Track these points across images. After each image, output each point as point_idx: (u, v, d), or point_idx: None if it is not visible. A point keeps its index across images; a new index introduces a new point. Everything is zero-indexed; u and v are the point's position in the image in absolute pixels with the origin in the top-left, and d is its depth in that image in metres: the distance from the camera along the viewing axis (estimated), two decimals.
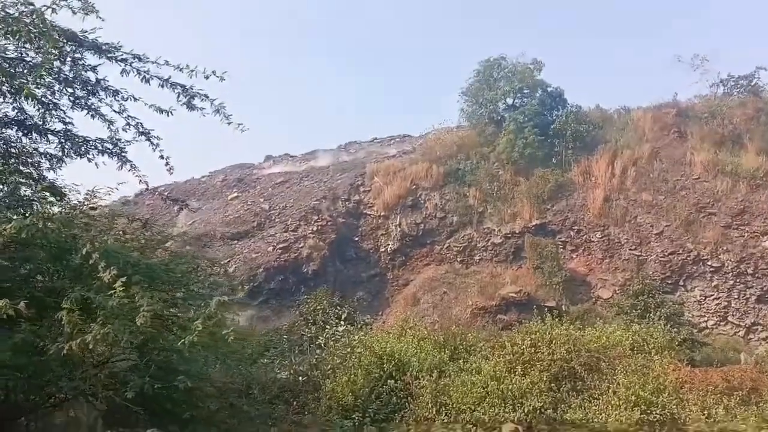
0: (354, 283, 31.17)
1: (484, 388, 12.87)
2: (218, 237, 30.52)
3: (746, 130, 30.93)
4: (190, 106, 9.47)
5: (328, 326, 15.67)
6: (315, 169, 37.06)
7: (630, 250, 28.62)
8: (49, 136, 10.23)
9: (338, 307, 19.05)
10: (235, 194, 35.48)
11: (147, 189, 10.26)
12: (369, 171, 34.93)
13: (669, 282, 26.93)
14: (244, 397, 13.22)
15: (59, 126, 10.23)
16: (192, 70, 8.88)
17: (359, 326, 17.72)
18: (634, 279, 25.22)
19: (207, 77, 8.80)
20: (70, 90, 9.75)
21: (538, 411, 12.40)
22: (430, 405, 12.84)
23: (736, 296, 25.52)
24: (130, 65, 9.32)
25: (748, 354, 20.77)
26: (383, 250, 32.39)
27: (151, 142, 10.04)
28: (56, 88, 9.67)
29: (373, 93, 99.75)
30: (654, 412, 12.16)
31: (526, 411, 12.26)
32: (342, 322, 16.04)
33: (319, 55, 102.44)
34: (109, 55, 9.25)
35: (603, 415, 11.99)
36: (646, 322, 18.89)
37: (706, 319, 25.71)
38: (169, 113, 9.44)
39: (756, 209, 27.23)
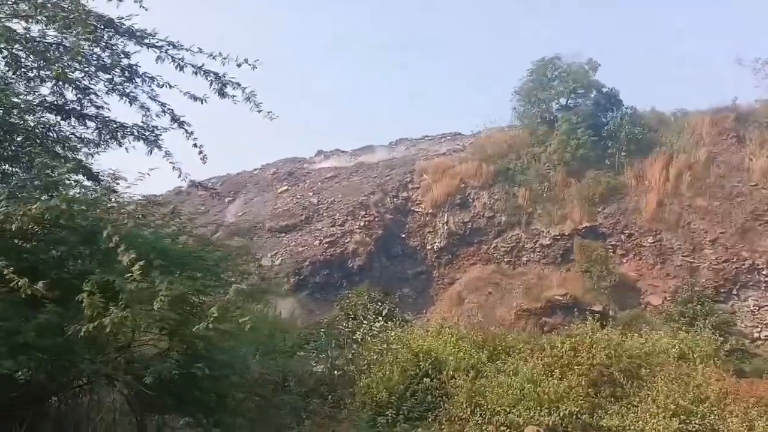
0: (399, 279, 31.26)
1: (520, 391, 12.76)
2: (266, 229, 31.03)
3: None
4: (222, 94, 9.47)
5: (365, 322, 15.78)
6: (365, 164, 37.22)
7: (683, 256, 27.92)
8: (86, 121, 10.28)
9: (379, 303, 19.16)
10: (285, 187, 35.95)
11: (181, 177, 10.20)
12: (418, 168, 34.95)
13: (722, 291, 26.18)
14: (281, 389, 13.42)
15: (95, 111, 10.29)
16: (225, 58, 8.93)
17: (398, 323, 17.72)
18: (684, 286, 24.53)
19: (239, 65, 8.83)
20: (107, 76, 9.85)
21: (574, 416, 12.23)
22: (464, 405, 12.78)
23: None
24: (165, 52, 9.34)
25: None
26: (430, 247, 32.38)
27: (185, 130, 10.06)
28: (92, 72, 9.75)
29: (428, 90, 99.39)
30: (693, 422, 11.86)
31: (561, 415, 12.09)
32: (380, 318, 16.12)
33: (377, 51, 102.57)
34: (144, 41, 9.31)
35: (640, 423, 11.75)
36: (693, 331, 18.40)
37: (759, 329, 24.92)
38: (203, 101, 9.56)
39: None
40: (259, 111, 9.27)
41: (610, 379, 13.34)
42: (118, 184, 8.81)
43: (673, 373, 13.28)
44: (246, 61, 8.85)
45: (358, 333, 15.20)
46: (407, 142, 44.02)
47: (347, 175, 35.85)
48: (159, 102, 10.21)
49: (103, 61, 9.60)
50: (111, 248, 6.23)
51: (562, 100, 34.70)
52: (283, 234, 30.85)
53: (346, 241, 30.45)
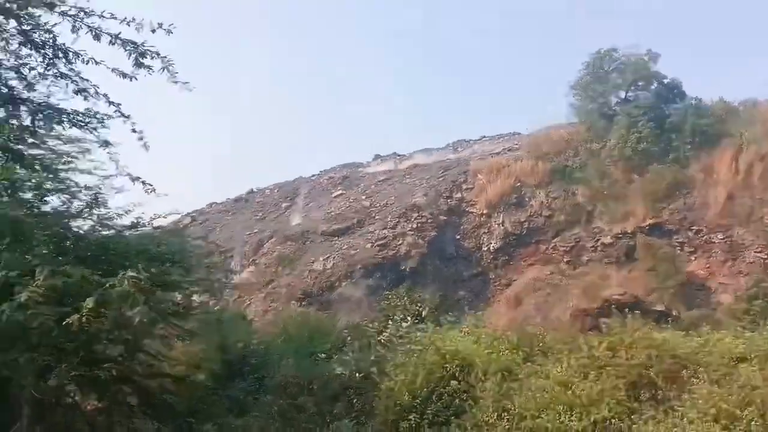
0: (454, 282, 30.62)
1: (550, 394, 11.94)
2: (319, 233, 30.98)
3: None
4: (139, 64, 9.15)
5: (390, 323, 15.26)
6: (419, 167, 36.76)
7: (755, 252, 26.15)
8: (21, 106, 9.87)
9: (418, 305, 18.62)
10: (340, 191, 35.91)
11: (117, 169, 9.62)
12: (472, 169, 34.23)
13: None
14: (305, 392, 13.10)
15: (36, 96, 9.87)
16: (139, 24, 8.64)
17: (436, 325, 17.01)
18: (759, 285, 22.79)
19: (153, 31, 8.56)
20: (40, 56, 9.49)
21: (606, 421, 11.31)
22: (491, 410, 12.07)
23: None
24: (81, 21, 8.96)
25: None
26: (485, 248, 31.59)
27: (122, 114, 9.73)
28: (23, 52, 9.42)
29: (490, 91, 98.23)
30: (737, 428, 10.76)
31: (592, 420, 11.22)
32: (408, 319, 15.52)
33: (442, 55, 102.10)
34: (54, 9, 8.91)
35: (677, 429, 10.75)
36: (759, 330, 16.93)
37: None
38: (132, 78, 9.23)
39: None
40: (176, 82, 8.92)
41: (650, 382, 12.31)
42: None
43: (718, 374, 12.13)
44: (160, 25, 8.50)
45: (384, 334, 14.71)
46: (465, 143, 43.30)
47: (400, 177, 35.51)
48: (92, 85, 9.74)
49: (34, 39, 9.25)
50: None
51: (621, 93, 33.44)
52: (336, 238, 30.71)
53: (398, 243, 30.03)
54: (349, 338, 15.66)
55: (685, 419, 11.04)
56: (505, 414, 12.04)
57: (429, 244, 30.53)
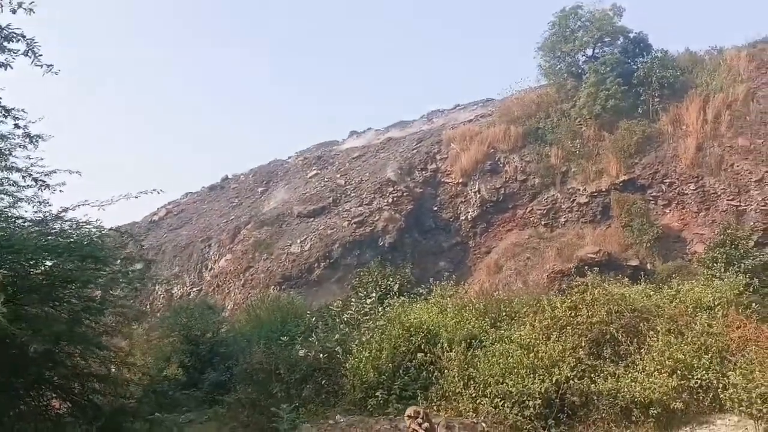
0: (434, 254, 30.68)
1: (513, 358, 12.04)
2: (295, 215, 30.87)
3: None
4: (1, 48, 8.73)
5: (353, 300, 15.27)
6: (392, 140, 36.63)
7: (728, 200, 26.27)
8: None
9: (390, 279, 18.61)
10: (315, 171, 35.77)
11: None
12: (445, 138, 34.06)
13: None
14: (273, 376, 13.13)
15: None
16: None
17: (414, 298, 17.02)
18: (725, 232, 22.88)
19: (14, 11, 8.23)
20: None
21: (569, 381, 11.43)
22: (457, 379, 12.19)
23: None
24: None
25: None
26: (463, 218, 31.59)
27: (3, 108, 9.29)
28: None
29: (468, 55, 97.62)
30: (695, 377, 10.91)
31: (554, 381, 11.34)
32: (373, 296, 15.51)
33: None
34: None
35: (635, 384, 10.88)
36: (727, 277, 17.09)
37: None
38: (7, 66, 8.90)
39: None
40: (40, 66, 8.70)
41: (612, 338, 12.47)
42: None
43: (680, 325, 12.28)
44: (20, 5, 8.24)
45: (348, 312, 14.72)
46: (439, 113, 43.14)
47: (374, 152, 35.36)
48: None
49: None
50: None
51: (588, 51, 33.16)
52: (312, 219, 30.61)
53: (375, 219, 29.99)
54: (314, 319, 15.63)
55: (643, 373, 11.22)
56: (471, 382, 12.19)
57: (406, 218, 30.50)
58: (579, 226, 29.56)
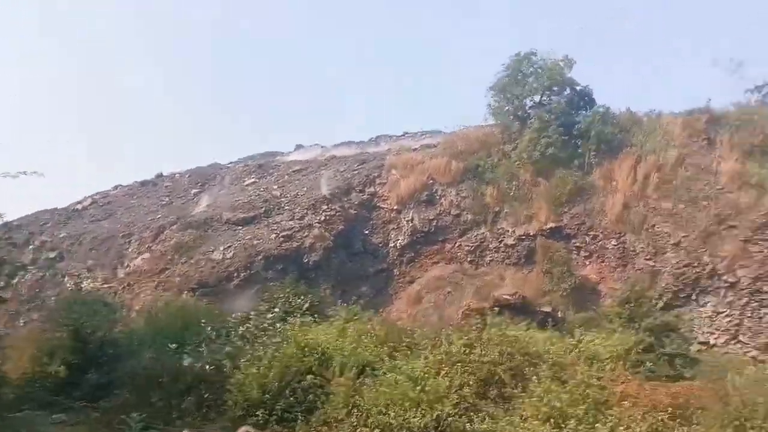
0: (359, 277, 30.59)
1: (399, 390, 12.04)
2: (223, 221, 30.42)
3: None
4: None
5: (252, 314, 15.05)
6: (336, 158, 36.58)
7: (645, 259, 27.00)
8: None
9: (301, 298, 18.46)
10: (253, 180, 35.40)
11: None
12: (387, 163, 34.27)
13: (681, 295, 25.24)
14: (155, 386, 12.74)
15: None
16: None
17: (320, 318, 16.95)
18: (631, 288, 23.51)
19: None
20: None
21: (450, 417, 11.49)
22: (341, 406, 12.10)
23: (749, 314, 23.66)
24: None
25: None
26: (392, 245, 31.72)
27: None
28: None
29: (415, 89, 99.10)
30: (568, 426, 11.11)
31: (435, 416, 11.39)
32: (275, 311, 15.33)
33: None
34: None
35: (509, 428, 11.02)
36: (629, 333, 17.60)
37: (716, 336, 23.98)
38: None
39: None
40: None
41: (500, 379, 12.62)
42: None
43: (565, 373, 12.52)
44: None
45: (246, 326, 14.49)
46: (387, 138, 43.34)
47: (315, 168, 35.24)
48: None
49: None
50: None
51: (536, 97, 33.89)
52: (240, 227, 30.22)
53: (304, 235, 29.81)
54: (210, 329, 15.29)
55: (520, 417, 11.36)
56: (355, 410, 12.13)
57: (336, 238, 30.42)
58: (503, 267, 29.99)
